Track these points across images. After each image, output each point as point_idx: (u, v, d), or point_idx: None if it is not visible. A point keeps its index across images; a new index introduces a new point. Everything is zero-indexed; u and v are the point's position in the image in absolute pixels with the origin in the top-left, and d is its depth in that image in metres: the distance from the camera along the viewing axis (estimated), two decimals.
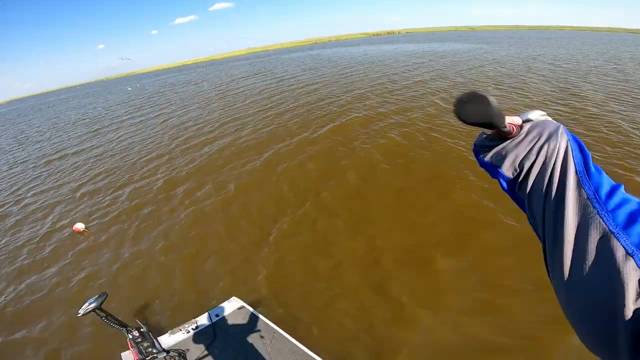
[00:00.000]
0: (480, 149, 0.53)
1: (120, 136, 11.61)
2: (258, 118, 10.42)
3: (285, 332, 2.75)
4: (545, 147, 0.46)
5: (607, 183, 0.43)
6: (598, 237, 0.38)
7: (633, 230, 0.36)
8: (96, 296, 2.33)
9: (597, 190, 0.41)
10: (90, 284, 4.15)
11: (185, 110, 14.58)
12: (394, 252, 3.85)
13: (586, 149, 0.47)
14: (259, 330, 2.85)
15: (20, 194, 7.41)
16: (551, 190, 0.44)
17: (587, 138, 6.27)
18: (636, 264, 0.34)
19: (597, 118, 7.48)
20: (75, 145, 11.47)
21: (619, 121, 7.16)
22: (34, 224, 5.89)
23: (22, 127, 20.43)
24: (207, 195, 5.84)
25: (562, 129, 0.48)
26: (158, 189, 6.44)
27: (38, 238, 5.36)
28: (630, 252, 0.35)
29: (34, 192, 7.43)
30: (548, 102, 9.13)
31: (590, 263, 0.37)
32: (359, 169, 5.89)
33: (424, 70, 16.43)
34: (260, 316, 2.97)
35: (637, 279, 0.33)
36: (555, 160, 0.45)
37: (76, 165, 8.96)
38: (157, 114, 14.85)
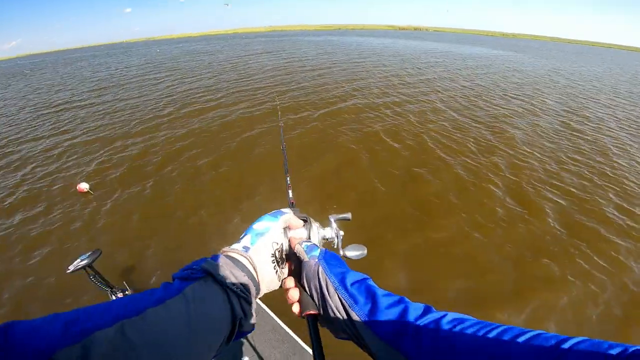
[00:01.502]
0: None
1: (126, 96, 11.69)
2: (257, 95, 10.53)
3: (269, 308, 2.72)
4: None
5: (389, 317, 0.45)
6: None
7: None
8: (89, 252, 2.28)
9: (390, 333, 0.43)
10: (83, 240, 4.21)
11: (195, 78, 14.73)
12: None
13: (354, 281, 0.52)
14: None
15: (23, 141, 7.53)
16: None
17: None
18: None
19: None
20: (81, 100, 11.53)
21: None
22: (34, 176, 5.99)
23: (43, 79, 20.53)
24: (207, 161, 5.97)
25: (323, 276, 0.53)
26: (160, 150, 6.58)
27: (38, 193, 5.44)
28: None
29: (40, 143, 7.54)
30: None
31: None
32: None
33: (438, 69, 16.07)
34: None
35: None
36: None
37: (86, 118, 9.03)
38: (169, 78, 14.83)
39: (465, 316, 0.41)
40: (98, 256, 2.29)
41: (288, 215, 0.63)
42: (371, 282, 0.52)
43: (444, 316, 0.42)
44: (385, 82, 12.73)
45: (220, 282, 0.46)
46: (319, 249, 0.59)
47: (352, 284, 0.51)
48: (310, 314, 0.52)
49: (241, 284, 0.48)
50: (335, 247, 0.67)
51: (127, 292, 2.72)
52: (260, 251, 0.55)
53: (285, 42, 37.24)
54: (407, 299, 0.47)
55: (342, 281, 0.51)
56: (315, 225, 0.65)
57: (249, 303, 0.49)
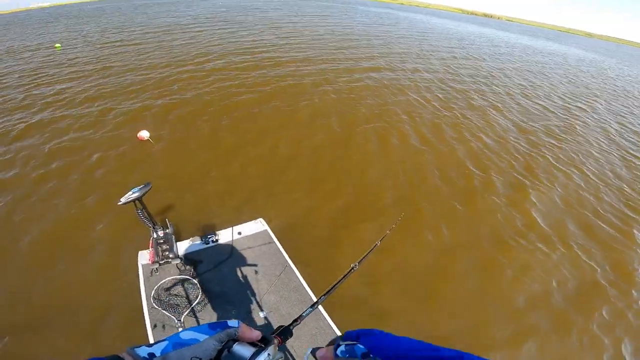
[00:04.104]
0: None
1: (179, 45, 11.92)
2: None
3: (297, 268, 2.74)
4: None
5: None
6: None
7: None
8: (141, 186, 2.35)
9: None
10: (135, 177, 4.43)
11: (251, 31, 15.25)
12: None
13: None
14: (273, 259, 2.86)
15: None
16: None
17: None
18: None
19: None
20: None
21: None
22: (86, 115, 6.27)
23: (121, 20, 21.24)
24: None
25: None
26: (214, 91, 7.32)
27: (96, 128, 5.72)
28: None
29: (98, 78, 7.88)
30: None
31: None
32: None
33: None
34: (278, 245, 2.97)
35: None
36: None
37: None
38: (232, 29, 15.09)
39: None
40: (148, 190, 2.35)
41: (232, 330, 0.53)
42: None
43: None
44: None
45: None
46: None
47: None
48: None
49: None
50: None
51: (167, 231, 2.86)
52: None
53: (337, 9, 35.53)
54: None
55: None
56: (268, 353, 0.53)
57: None
